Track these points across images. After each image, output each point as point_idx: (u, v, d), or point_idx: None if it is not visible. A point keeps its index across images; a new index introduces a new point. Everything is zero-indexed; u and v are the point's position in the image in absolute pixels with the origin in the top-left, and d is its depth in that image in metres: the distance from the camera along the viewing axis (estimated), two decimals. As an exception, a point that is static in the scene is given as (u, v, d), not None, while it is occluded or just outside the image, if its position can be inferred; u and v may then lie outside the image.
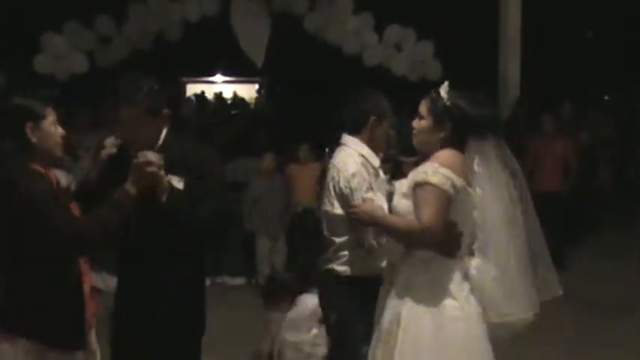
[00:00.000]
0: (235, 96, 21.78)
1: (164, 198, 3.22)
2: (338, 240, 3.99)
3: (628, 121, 13.41)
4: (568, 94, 11.69)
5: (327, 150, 5.67)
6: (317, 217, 7.85)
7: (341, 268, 3.99)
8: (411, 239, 3.20)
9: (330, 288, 4.11)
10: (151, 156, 3.17)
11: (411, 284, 3.20)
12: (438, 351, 3.10)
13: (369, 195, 3.61)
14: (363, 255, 3.83)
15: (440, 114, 3.20)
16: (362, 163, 3.90)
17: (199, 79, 23.72)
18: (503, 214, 3.14)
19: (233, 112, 15.08)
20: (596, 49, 19.53)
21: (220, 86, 24.00)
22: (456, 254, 3.14)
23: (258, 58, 10.77)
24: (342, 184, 3.86)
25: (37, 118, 3.18)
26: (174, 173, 3.29)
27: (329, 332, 4.30)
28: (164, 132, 3.45)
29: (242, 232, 8.10)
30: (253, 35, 10.46)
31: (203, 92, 21.40)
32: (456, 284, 3.12)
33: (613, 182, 11.31)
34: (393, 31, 11.34)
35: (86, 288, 3.30)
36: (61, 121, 3.36)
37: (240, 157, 8.86)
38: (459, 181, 3.05)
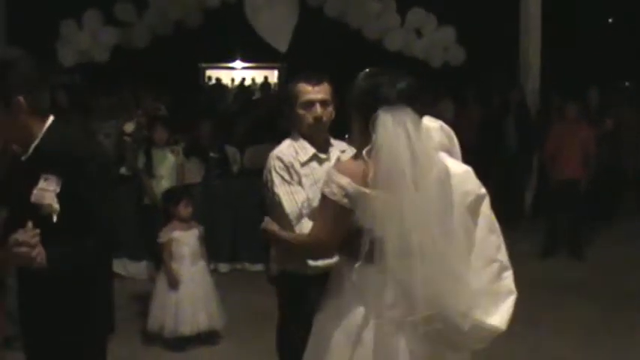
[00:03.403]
0: (254, 81, 21.83)
1: (44, 267, 2.78)
2: None
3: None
4: (589, 79, 11.59)
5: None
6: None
7: (273, 263, 3.98)
8: (305, 252, 3.25)
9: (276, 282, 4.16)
10: (24, 236, 2.71)
11: (333, 287, 3.11)
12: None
13: (281, 189, 3.64)
14: (290, 251, 3.66)
15: (348, 105, 3.07)
16: (286, 158, 3.73)
17: (219, 64, 23.74)
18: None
19: (254, 97, 15.10)
20: (617, 34, 19.35)
21: (240, 72, 24.03)
22: (370, 260, 2.87)
23: (282, 44, 10.68)
24: (263, 179, 3.80)
25: None
26: (52, 173, 2.86)
27: None
28: (46, 126, 2.97)
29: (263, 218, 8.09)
30: (276, 21, 10.40)
31: (219, 79, 21.48)
32: (373, 291, 2.92)
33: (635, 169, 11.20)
34: (415, 15, 11.25)
35: None
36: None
37: (262, 143, 8.84)
38: (354, 189, 2.86)
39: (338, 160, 3.67)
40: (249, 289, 7.56)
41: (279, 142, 8.21)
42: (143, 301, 6.53)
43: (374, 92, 2.91)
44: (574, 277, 7.96)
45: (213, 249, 7.23)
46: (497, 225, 3.05)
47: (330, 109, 3.83)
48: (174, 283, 5.93)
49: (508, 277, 3.02)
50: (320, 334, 3.11)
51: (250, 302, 7.11)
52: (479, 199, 3.02)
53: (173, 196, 6.29)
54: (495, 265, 2.99)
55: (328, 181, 2.95)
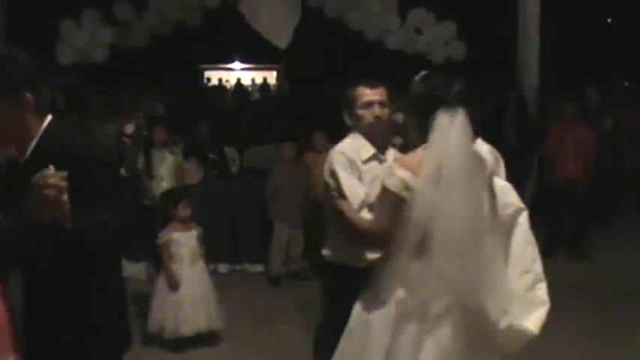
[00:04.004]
0: (253, 82, 21.86)
1: (68, 225, 2.65)
2: (328, 224, 4.15)
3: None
4: (588, 79, 11.58)
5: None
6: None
7: (326, 252, 4.12)
8: (361, 236, 3.40)
9: (324, 271, 4.27)
10: (52, 178, 2.57)
11: (378, 276, 3.22)
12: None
13: (345, 181, 3.83)
14: (346, 242, 3.87)
15: (407, 106, 3.28)
16: (349, 154, 3.95)
17: (218, 65, 23.74)
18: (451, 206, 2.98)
19: (253, 98, 15.12)
20: (616, 34, 19.37)
21: (238, 73, 24.04)
22: (419, 253, 3.03)
23: (282, 41, 10.62)
24: (325, 174, 4.03)
25: None
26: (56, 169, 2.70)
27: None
28: (44, 125, 2.89)
29: (263, 219, 8.11)
30: (275, 17, 10.37)
31: (221, 80, 21.50)
32: (417, 284, 3.05)
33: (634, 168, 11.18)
34: (416, 14, 11.24)
35: None
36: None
37: (260, 144, 8.86)
38: (415, 182, 3.00)
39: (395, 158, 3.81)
40: (248, 290, 7.58)
41: (277, 143, 8.28)
42: (142, 301, 6.52)
43: (432, 95, 3.07)
44: (575, 277, 7.95)
45: (212, 250, 7.23)
46: (533, 238, 3.20)
47: (387, 110, 4.05)
48: (173, 284, 5.92)
49: (542, 288, 3.18)
50: (358, 321, 3.24)
51: (250, 303, 7.12)
52: (518, 212, 3.18)
53: (172, 197, 6.29)
54: (530, 276, 3.14)
55: (390, 174, 3.09)
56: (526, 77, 11.28)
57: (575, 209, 8.83)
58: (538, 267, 3.16)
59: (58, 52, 10.20)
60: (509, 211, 3.14)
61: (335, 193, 3.86)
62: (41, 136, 2.87)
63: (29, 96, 2.81)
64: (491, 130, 10.05)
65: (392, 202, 3.05)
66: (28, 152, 2.87)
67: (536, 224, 9.21)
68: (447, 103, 3.01)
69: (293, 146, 8.06)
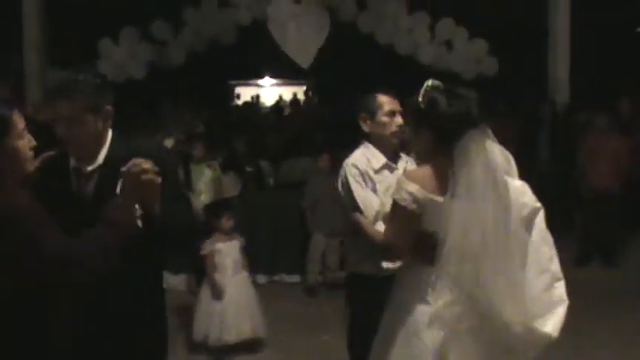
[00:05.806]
0: (281, 98, 22.00)
1: (157, 210, 2.84)
2: (347, 236, 4.24)
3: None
4: (621, 90, 11.57)
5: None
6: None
7: (348, 262, 4.27)
8: (380, 251, 3.46)
9: (346, 283, 4.34)
10: (145, 163, 2.74)
11: (400, 286, 3.29)
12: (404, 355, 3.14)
13: (359, 194, 3.86)
14: (364, 253, 3.89)
15: (416, 119, 3.25)
16: (361, 165, 3.96)
17: (248, 81, 23.90)
18: (481, 222, 2.99)
19: (286, 113, 15.28)
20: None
21: (269, 89, 24.18)
22: (434, 261, 3.07)
23: (305, 60, 10.77)
24: (338, 186, 4.02)
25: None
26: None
27: None
28: (110, 135, 3.09)
29: (299, 229, 8.23)
30: (302, 36, 10.49)
31: (258, 96, 21.69)
32: (435, 291, 3.07)
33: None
34: (445, 26, 11.28)
35: None
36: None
37: (295, 158, 8.99)
38: (423, 195, 3.04)
39: (405, 169, 3.88)
40: (286, 300, 7.67)
41: (313, 155, 8.35)
42: (183, 313, 6.65)
43: (460, 116, 3.08)
44: (608, 286, 7.98)
45: (250, 261, 7.35)
46: (550, 237, 3.17)
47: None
48: (218, 294, 6.07)
49: (560, 286, 3.12)
50: (385, 330, 3.28)
51: (288, 312, 7.21)
52: (534, 212, 3.15)
53: (215, 209, 6.45)
54: (547, 275, 3.11)
55: (399, 188, 3.14)
56: (557, 93, 11.28)
57: (609, 218, 8.85)
58: (555, 266, 3.12)
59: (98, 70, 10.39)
60: (526, 211, 3.10)
61: (349, 206, 3.87)
62: (111, 146, 3.07)
63: (110, 108, 3.03)
64: (524, 145, 10.07)
65: (402, 216, 3.12)
66: (101, 159, 3.05)
67: (571, 234, 9.18)
68: (474, 124, 3.05)
69: (330, 158, 8.19)
